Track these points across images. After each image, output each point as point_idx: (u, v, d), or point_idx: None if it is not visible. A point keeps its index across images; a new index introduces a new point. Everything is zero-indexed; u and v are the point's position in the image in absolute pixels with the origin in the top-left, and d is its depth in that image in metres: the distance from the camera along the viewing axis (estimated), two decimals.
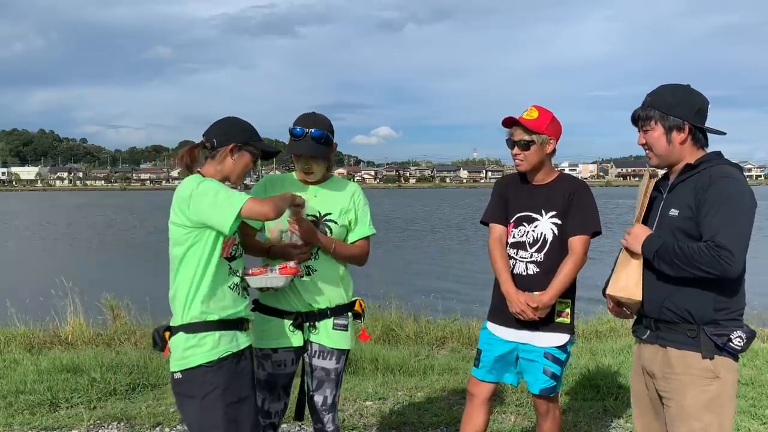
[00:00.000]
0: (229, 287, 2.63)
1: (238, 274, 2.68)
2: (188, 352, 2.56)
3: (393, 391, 5.01)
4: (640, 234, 2.53)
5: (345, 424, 4.36)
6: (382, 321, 7.01)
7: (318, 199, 2.97)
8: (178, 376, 2.59)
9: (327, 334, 2.97)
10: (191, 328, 2.57)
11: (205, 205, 2.51)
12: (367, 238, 3.06)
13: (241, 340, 2.65)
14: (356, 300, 3.07)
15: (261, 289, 2.88)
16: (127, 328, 6.87)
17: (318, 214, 2.97)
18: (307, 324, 2.95)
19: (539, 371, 3.10)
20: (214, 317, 2.58)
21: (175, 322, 2.62)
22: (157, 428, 4.33)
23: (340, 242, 2.99)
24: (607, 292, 2.65)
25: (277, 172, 3.20)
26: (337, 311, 2.99)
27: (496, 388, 3.30)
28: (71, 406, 4.67)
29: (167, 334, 2.63)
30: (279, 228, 2.92)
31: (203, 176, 2.64)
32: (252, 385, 2.70)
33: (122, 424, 4.39)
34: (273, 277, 2.75)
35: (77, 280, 7.73)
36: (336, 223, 2.98)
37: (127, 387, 4.99)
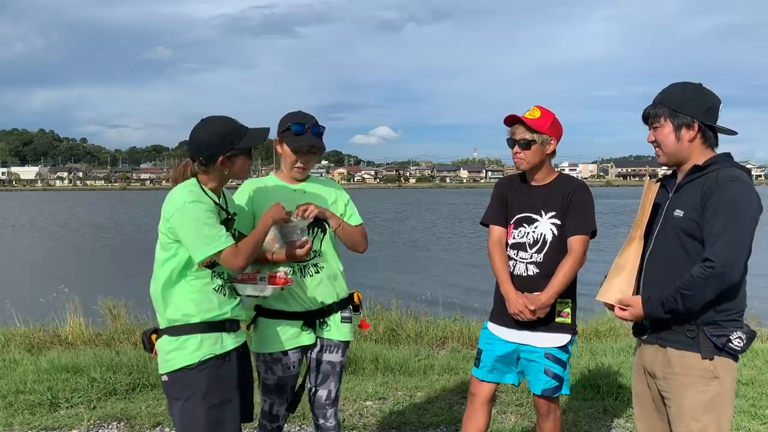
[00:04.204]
0: (214, 289, 2.61)
1: (223, 276, 2.66)
2: (170, 355, 2.57)
3: (393, 391, 5.01)
4: (634, 304, 2.53)
5: (345, 424, 4.36)
6: (384, 321, 7.01)
7: (307, 197, 3.01)
8: (164, 378, 2.61)
9: (336, 328, 3.03)
10: (174, 330, 2.57)
11: (185, 230, 2.51)
12: (361, 224, 3.13)
13: (226, 342, 2.62)
14: (354, 292, 3.14)
15: (248, 296, 2.86)
16: (126, 328, 6.87)
17: None
18: (318, 321, 3.00)
19: (540, 372, 3.10)
20: (197, 319, 2.56)
21: (159, 324, 2.63)
22: (157, 428, 4.33)
23: (346, 222, 3.05)
24: (597, 297, 2.67)
25: (273, 173, 3.18)
26: (342, 304, 3.07)
27: (497, 388, 3.30)
28: (71, 406, 4.67)
29: (154, 336, 2.64)
30: (276, 235, 2.91)
31: (199, 183, 2.62)
32: (236, 387, 2.67)
33: (122, 424, 4.38)
34: (261, 286, 2.74)
35: (77, 280, 7.73)
36: (327, 222, 3.01)
37: (127, 387, 4.99)
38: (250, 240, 2.65)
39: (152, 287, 2.63)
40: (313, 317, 2.98)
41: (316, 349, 3.02)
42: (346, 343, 3.08)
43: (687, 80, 2.59)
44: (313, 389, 3.06)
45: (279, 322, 2.95)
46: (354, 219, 3.10)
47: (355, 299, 3.13)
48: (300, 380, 3.11)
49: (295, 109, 3.03)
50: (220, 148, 2.57)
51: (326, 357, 3.02)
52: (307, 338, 2.97)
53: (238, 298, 2.74)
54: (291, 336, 2.95)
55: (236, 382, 2.66)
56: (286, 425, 4.24)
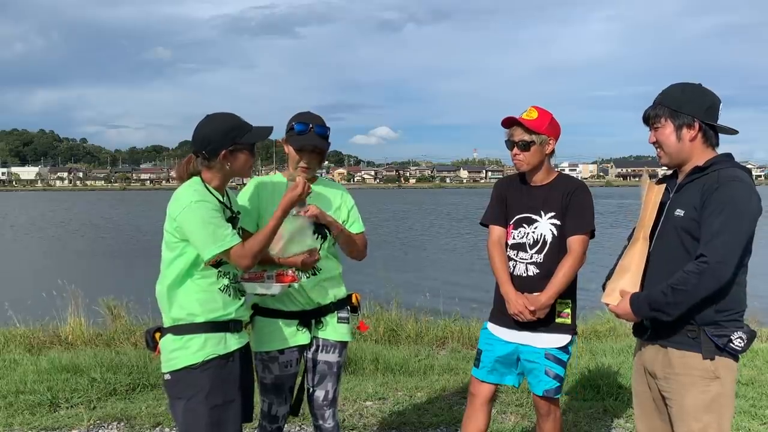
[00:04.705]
0: (219, 289, 2.63)
1: (229, 276, 2.67)
2: (174, 354, 2.58)
3: (393, 391, 5.01)
4: (622, 305, 2.53)
5: (345, 424, 4.36)
6: (384, 321, 7.01)
7: (312, 200, 3.00)
8: (167, 377, 2.61)
9: (333, 328, 3.04)
10: (178, 330, 2.58)
11: (192, 229, 2.53)
12: (362, 233, 3.14)
13: (230, 343, 2.63)
14: (352, 294, 3.16)
15: (257, 294, 2.88)
16: (126, 328, 6.87)
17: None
18: (314, 321, 3.01)
19: (541, 372, 3.10)
20: (201, 319, 2.57)
21: (164, 323, 2.64)
22: (157, 428, 4.33)
23: (347, 230, 3.06)
24: (602, 299, 2.66)
25: (277, 171, 3.19)
26: (339, 305, 3.07)
27: (497, 388, 3.30)
28: (71, 406, 4.67)
29: (158, 335, 2.65)
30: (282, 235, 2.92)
31: (203, 181, 2.63)
32: (239, 388, 2.66)
33: (122, 424, 4.39)
34: (270, 284, 2.76)
35: (77, 280, 7.73)
36: None
37: (127, 387, 4.99)
38: (261, 236, 2.64)
39: (158, 288, 2.64)
40: (309, 317, 2.99)
41: (313, 349, 3.03)
42: (344, 344, 3.08)
43: (687, 80, 2.60)
44: (311, 390, 3.06)
45: (275, 321, 2.96)
46: (356, 227, 3.11)
47: (354, 300, 3.14)
48: (299, 381, 3.11)
49: (296, 110, 3.05)
50: (222, 143, 2.58)
51: (323, 357, 3.03)
52: (302, 338, 2.98)
53: (243, 299, 2.74)
54: (287, 335, 2.96)
55: (239, 383, 2.67)
56: (285, 425, 4.25)
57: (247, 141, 2.63)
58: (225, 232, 2.54)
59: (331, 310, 3.04)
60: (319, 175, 3.19)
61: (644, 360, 2.64)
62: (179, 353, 2.56)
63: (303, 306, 2.97)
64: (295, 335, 2.97)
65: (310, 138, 2.94)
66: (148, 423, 4.37)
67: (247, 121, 2.68)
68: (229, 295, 2.66)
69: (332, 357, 3.04)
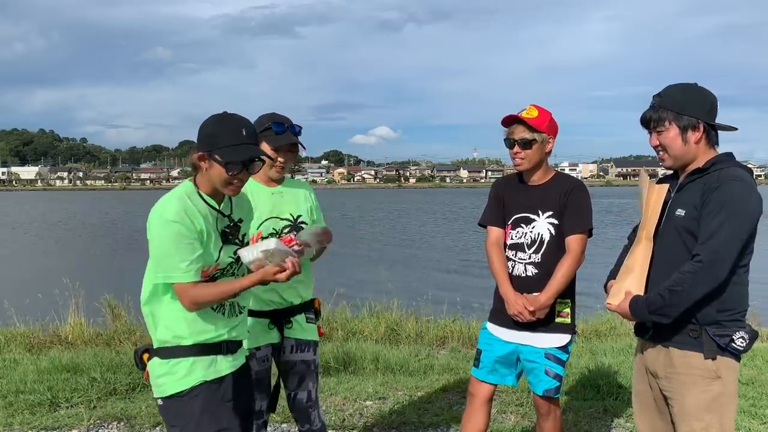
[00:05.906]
0: (212, 308, 2.36)
1: None
2: (161, 380, 2.36)
3: (393, 391, 5.01)
4: (622, 305, 2.53)
5: (345, 424, 4.36)
6: (384, 321, 7.01)
7: (285, 200, 3.07)
8: (159, 402, 2.41)
9: (304, 328, 3.09)
10: (164, 352, 2.36)
11: (152, 246, 2.29)
12: None
13: (221, 366, 2.39)
14: (315, 299, 3.21)
15: (252, 263, 2.38)
16: (127, 328, 6.88)
17: (291, 217, 3.07)
18: (284, 321, 3.05)
19: (542, 372, 3.10)
20: (189, 342, 2.33)
21: (153, 343, 2.42)
22: (157, 428, 4.32)
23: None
24: (607, 301, 2.66)
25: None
26: (306, 307, 3.13)
27: (497, 388, 3.30)
28: (71, 406, 4.67)
29: (146, 356, 2.43)
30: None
31: (196, 188, 2.38)
32: (235, 415, 2.43)
33: (122, 424, 4.39)
34: (264, 242, 2.39)
35: (77, 280, 7.73)
36: (306, 223, 3.10)
37: (127, 387, 4.99)
38: (216, 292, 2.32)
39: (141, 297, 2.41)
40: (280, 317, 3.04)
41: (288, 351, 3.06)
42: (316, 343, 3.14)
43: (688, 81, 2.58)
44: (292, 394, 3.09)
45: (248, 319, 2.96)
46: (321, 224, 3.14)
47: (316, 305, 3.20)
48: (274, 380, 3.14)
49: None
50: (204, 144, 2.30)
51: (300, 357, 3.07)
52: (274, 336, 3.03)
53: (240, 315, 2.49)
54: (261, 333, 3.01)
55: (233, 406, 2.42)
56: (285, 425, 4.26)
57: (219, 155, 2.26)
58: (179, 264, 2.24)
59: (300, 311, 3.09)
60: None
61: (646, 359, 2.63)
62: (165, 379, 2.35)
63: (276, 306, 3.02)
64: (268, 333, 3.02)
65: (288, 137, 2.98)
66: (148, 423, 4.37)
67: (249, 138, 2.32)
68: (224, 314, 2.40)
69: (309, 356, 3.09)
